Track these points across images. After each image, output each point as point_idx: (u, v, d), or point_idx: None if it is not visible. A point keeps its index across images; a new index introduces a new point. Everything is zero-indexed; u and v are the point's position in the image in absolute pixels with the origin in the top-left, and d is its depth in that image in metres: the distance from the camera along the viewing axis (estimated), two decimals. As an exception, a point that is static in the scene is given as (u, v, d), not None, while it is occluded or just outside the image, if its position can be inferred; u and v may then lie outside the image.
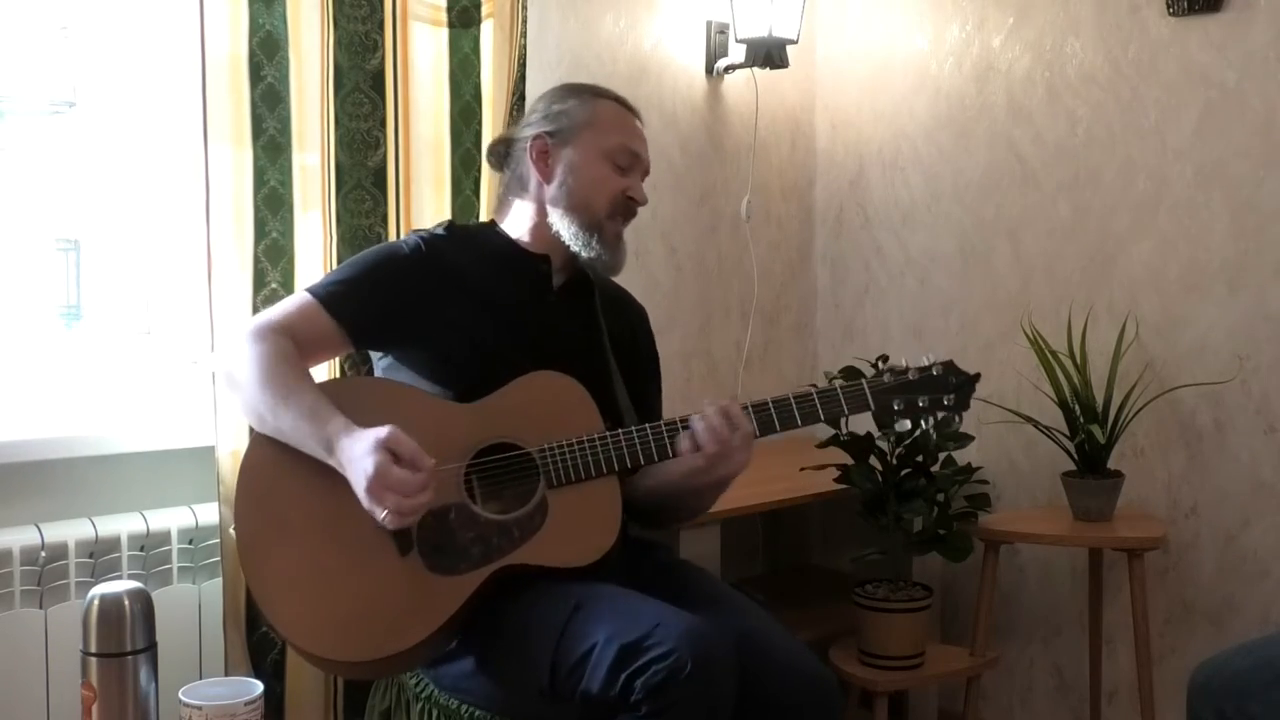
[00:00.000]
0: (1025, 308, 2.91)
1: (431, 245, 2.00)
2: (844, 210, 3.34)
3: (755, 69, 3.06)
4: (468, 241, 2.04)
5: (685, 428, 1.89)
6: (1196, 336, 2.70)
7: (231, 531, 1.87)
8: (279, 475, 1.83)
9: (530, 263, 2.04)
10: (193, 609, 2.23)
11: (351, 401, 1.83)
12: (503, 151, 2.11)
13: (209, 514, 2.24)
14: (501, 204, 2.11)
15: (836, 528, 3.28)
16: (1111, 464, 2.62)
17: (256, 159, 2.21)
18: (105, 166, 2.43)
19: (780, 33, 2.96)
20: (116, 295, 2.49)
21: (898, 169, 3.21)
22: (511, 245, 2.05)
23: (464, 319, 1.95)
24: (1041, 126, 2.93)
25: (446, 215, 2.44)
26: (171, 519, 2.24)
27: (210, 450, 2.21)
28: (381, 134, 2.34)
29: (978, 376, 1.95)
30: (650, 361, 2.21)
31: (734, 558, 2.91)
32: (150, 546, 2.20)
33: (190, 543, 2.24)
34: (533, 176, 2.03)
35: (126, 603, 1.82)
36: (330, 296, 1.93)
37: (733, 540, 2.78)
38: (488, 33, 2.45)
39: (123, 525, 2.18)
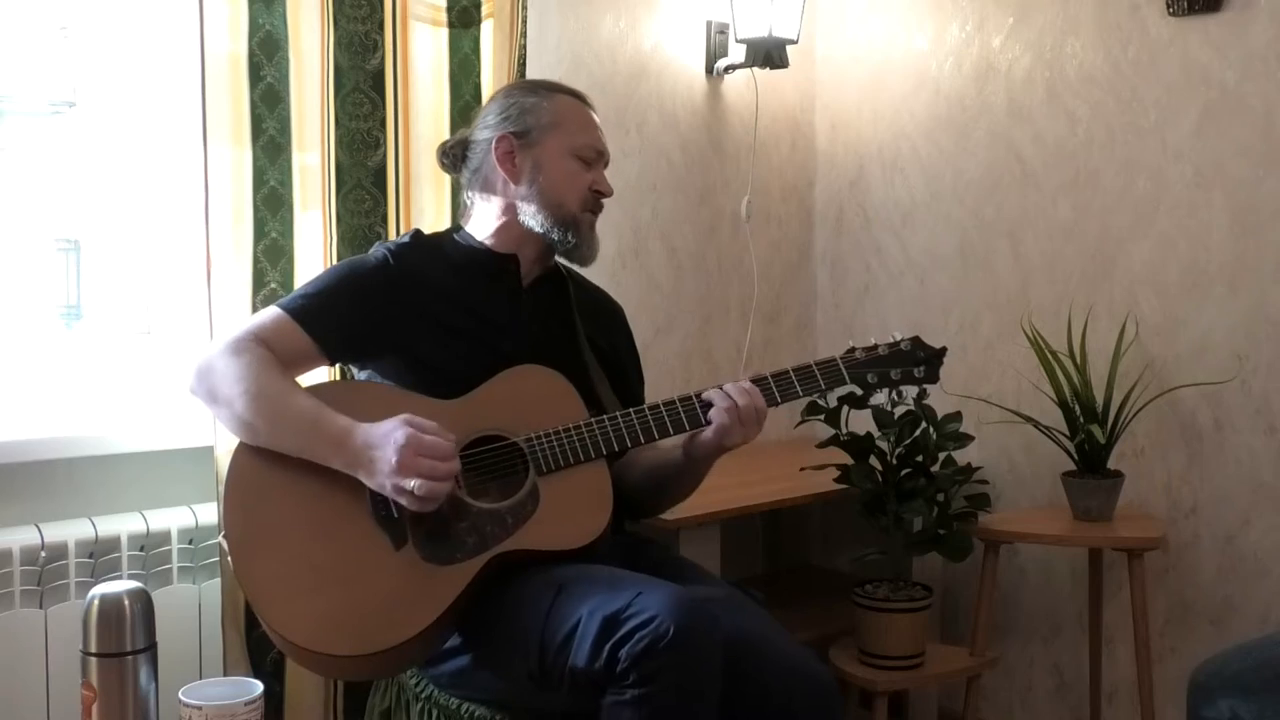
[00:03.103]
0: (1025, 308, 2.91)
1: (398, 256, 2.00)
2: (844, 210, 3.34)
3: (755, 69, 3.06)
4: (434, 249, 2.05)
5: (669, 410, 1.93)
6: (1196, 336, 2.70)
7: (221, 540, 1.87)
8: (267, 478, 1.83)
9: (498, 263, 2.05)
10: (193, 609, 2.23)
11: (337, 404, 1.84)
12: (458, 154, 2.10)
13: (209, 514, 2.24)
14: (464, 207, 2.12)
15: (836, 528, 3.28)
16: (1111, 464, 2.62)
17: (256, 159, 2.22)
18: (105, 166, 2.43)
19: (780, 33, 2.96)
20: (116, 295, 2.49)
21: (898, 169, 3.21)
22: (478, 248, 2.06)
23: (436, 327, 1.96)
24: (1041, 126, 2.93)
25: (446, 216, 2.45)
26: (171, 519, 2.24)
27: (210, 450, 2.21)
28: (381, 134, 2.34)
29: (944, 350, 2.04)
30: (629, 356, 2.23)
31: (734, 557, 2.90)
32: (150, 546, 2.20)
33: (190, 543, 2.25)
34: (499, 177, 2.03)
35: (126, 603, 1.82)
36: (302, 311, 1.93)
37: (732, 540, 2.78)
38: (488, 33, 2.45)
39: (123, 525, 2.19)
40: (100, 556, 2.15)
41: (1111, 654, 2.83)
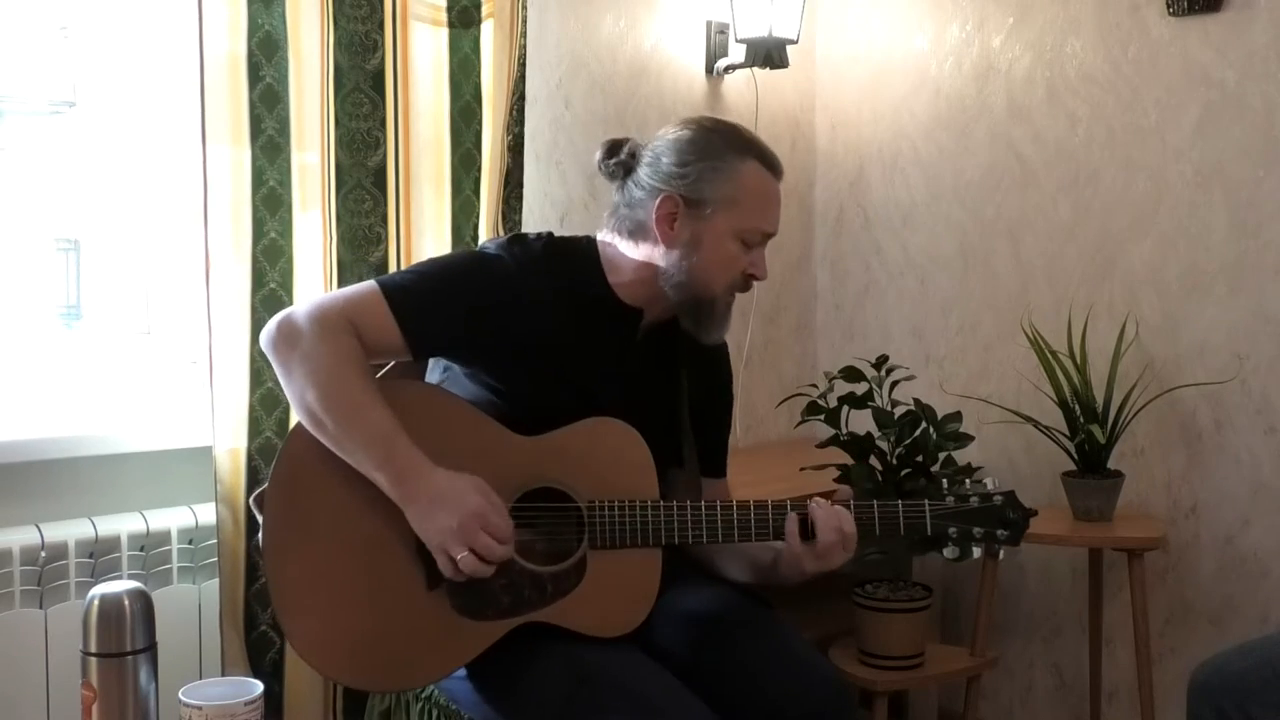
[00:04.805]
0: (1025, 308, 2.91)
1: (524, 269, 1.84)
2: (844, 211, 3.33)
3: (755, 69, 3.05)
4: (563, 270, 1.88)
5: (741, 514, 1.83)
6: (1196, 336, 2.70)
7: (252, 502, 1.83)
8: (319, 473, 1.75)
9: (621, 314, 1.90)
10: (193, 609, 2.23)
11: (401, 411, 1.74)
12: (621, 171, 1.91)
13: (209, 514, 2.24)
14: (610, 226, 1.92)
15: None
16: (1111, 464, 2.62)
17: (255, 159, 2.21)
18: (105, 166, 2.43)
19: (780, 33, 2.96)
20: (116, 295, 2.49)
21: (898, 169, 3.21)
22: (606, 291, 1.89)
23: (538, 354, 1.84)
24: (1041, 126, 2.93)
25: (447, 216, 2.44)
26: (171, 519, 2.24)
27: (209, 450, 2.21)
28: (381, 134, 2.33)
29: (1034, 513, 1.92)
30: (723, 408, 2.12)
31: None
32: (150, 546, 2.20)
33: (190, 543, 2.24)
34: (653, 232, 1.85)
35: (126, 603, 1.82)
36: (403, 306, 1.78)
37: (733, 540, 2.77)
38: (488, 33, 2.45)
39: (123, 525, 2.18)
40: (100, 556, 2.15)
41: (1111, 654, 2.83)
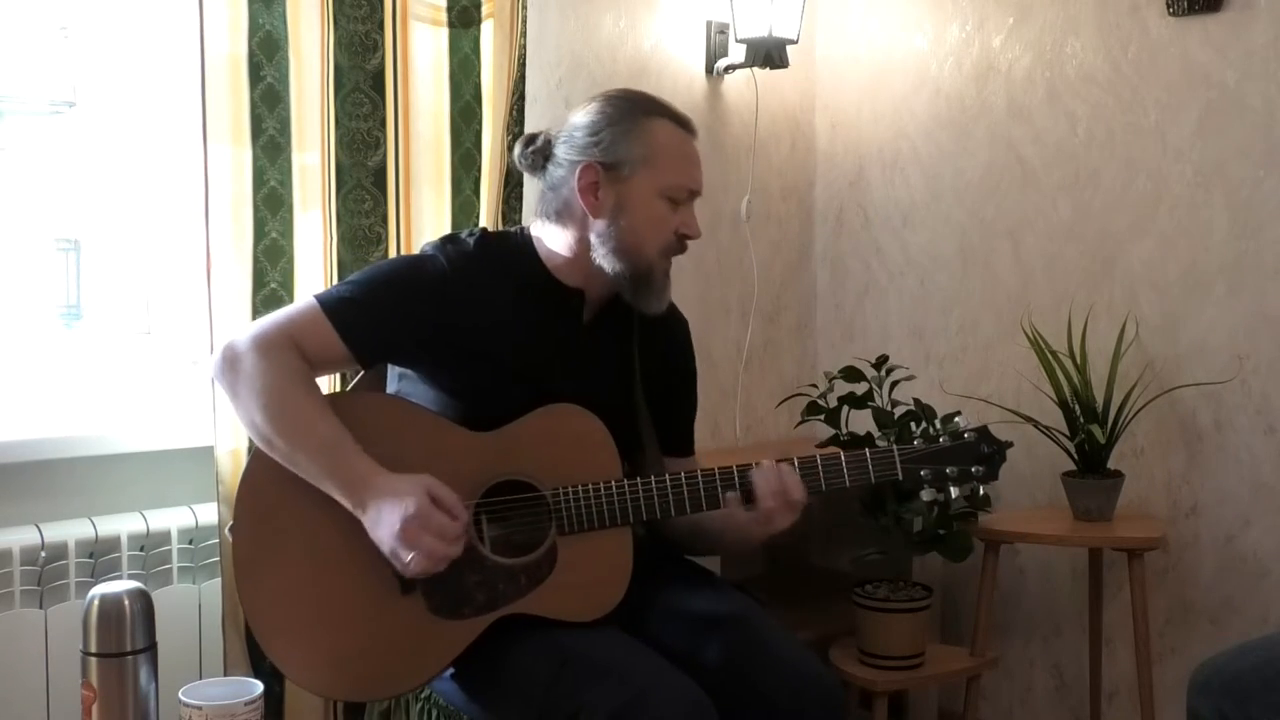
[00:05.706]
0: (1025, 308, 2.91)
1: (459, 269, 1.85)
2: (844, 210, 3.33)
3: (755, 69, 3.05)
4: (499, 261, 1.90)
5: (707, 482, 1.84)
6: (1196, 336, 2.70)
7: (228, 533, 1.85)
8: (282, 494, 1.76)
9: (562, 296, 1.92)
10: (193, 609, 2.23)
11: (357, 422, 1.75)
12: (539, 161, 1.93)
13: (209, 514, 2.24)
14: (539, 216, 1.95)
15: (836, 528, 3.27)
16: (1111, 464, 2.62)
17: (256, 159, 2.21)
18: (105, 166, 2.43)
19: (780, 33, 2.96)
20: (116, 295, 2.49)
21: (898, 169, 3.21)
22: (544, 275, 1.91)
23: (485, 348, 1.85)
24: (1041, 126, 2.93)
25: (447, 216, 2.44)
26: (171, 519, 2.24)
27: (210, 450, 2.21)
28: (381, 134, 2.34)
29: (1009, 445, 1.90)
30: (685, 385, 2.11)
31: (734, 558, 2.90)
32: (150, 546, 2.20)
33: (190, 543, 2.25)
34: (578, 206, 1.87)
35: (126, 603, 1.82)
36: (341, 316, 1.80)
37: (733, 540, 2.77)
38: (488, 33, 2.45)
39: (123, 525, 2.19)
40: (100, 556, 2.15)
41: (1111, 654, 2.83)
